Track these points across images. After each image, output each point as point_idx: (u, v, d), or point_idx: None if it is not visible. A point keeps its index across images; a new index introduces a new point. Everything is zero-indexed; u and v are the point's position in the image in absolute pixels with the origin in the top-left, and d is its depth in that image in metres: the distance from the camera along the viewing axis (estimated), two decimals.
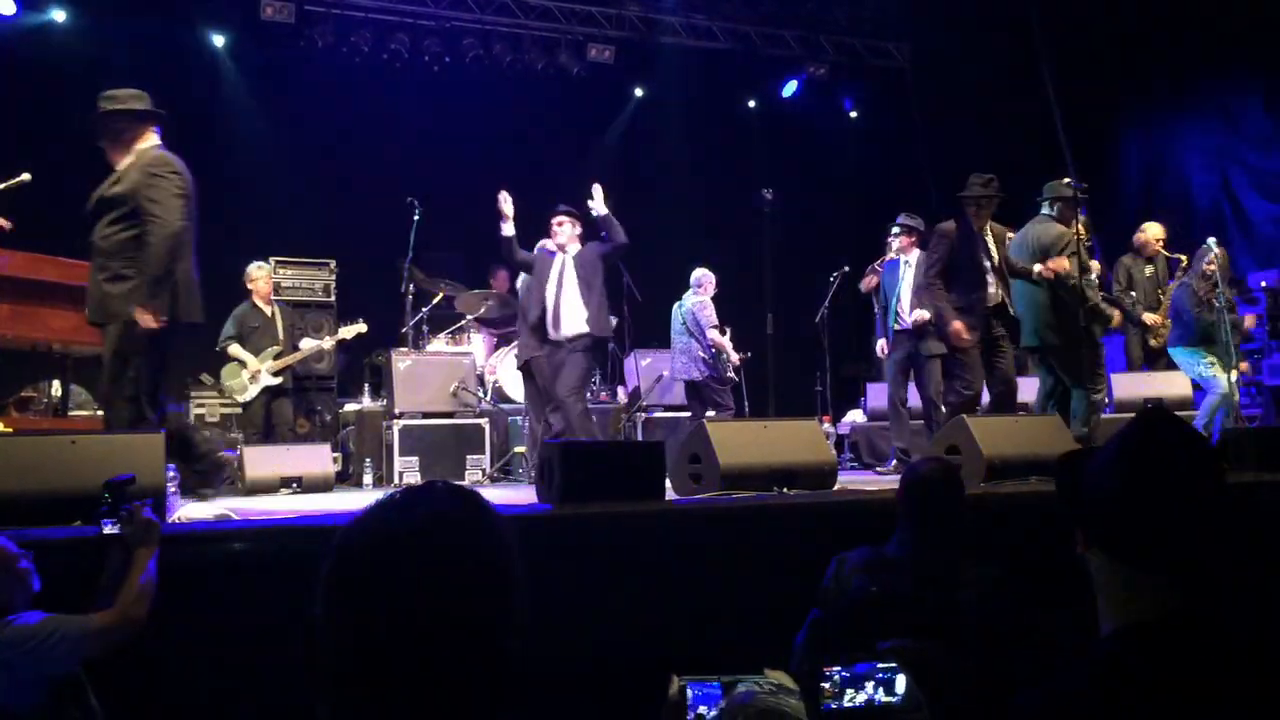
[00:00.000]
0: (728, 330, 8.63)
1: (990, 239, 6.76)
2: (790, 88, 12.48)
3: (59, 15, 9.54)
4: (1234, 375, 7.48)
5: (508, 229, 6.88)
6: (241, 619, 3.12)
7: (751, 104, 12.64)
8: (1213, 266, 7.60)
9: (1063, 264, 6.45)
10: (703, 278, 8.80)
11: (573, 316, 6.78)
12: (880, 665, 1.43)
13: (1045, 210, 6.78)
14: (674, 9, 11.58)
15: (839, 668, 1.45)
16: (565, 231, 6.99)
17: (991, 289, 6.70)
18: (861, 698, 1.45)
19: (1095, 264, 7.37)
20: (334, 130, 10.44)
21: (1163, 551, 1.45)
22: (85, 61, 9.43)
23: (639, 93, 12.18)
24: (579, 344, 6.74)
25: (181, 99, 9.88)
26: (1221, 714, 1.37)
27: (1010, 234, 6.88)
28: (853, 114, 12.91)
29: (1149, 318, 8.63)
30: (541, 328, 6.88)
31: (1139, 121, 11.64)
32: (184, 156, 10.10)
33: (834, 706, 1.45)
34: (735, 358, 8.69)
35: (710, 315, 8.59)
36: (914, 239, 7.55)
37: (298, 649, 1.11)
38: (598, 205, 6.81)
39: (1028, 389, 7.71)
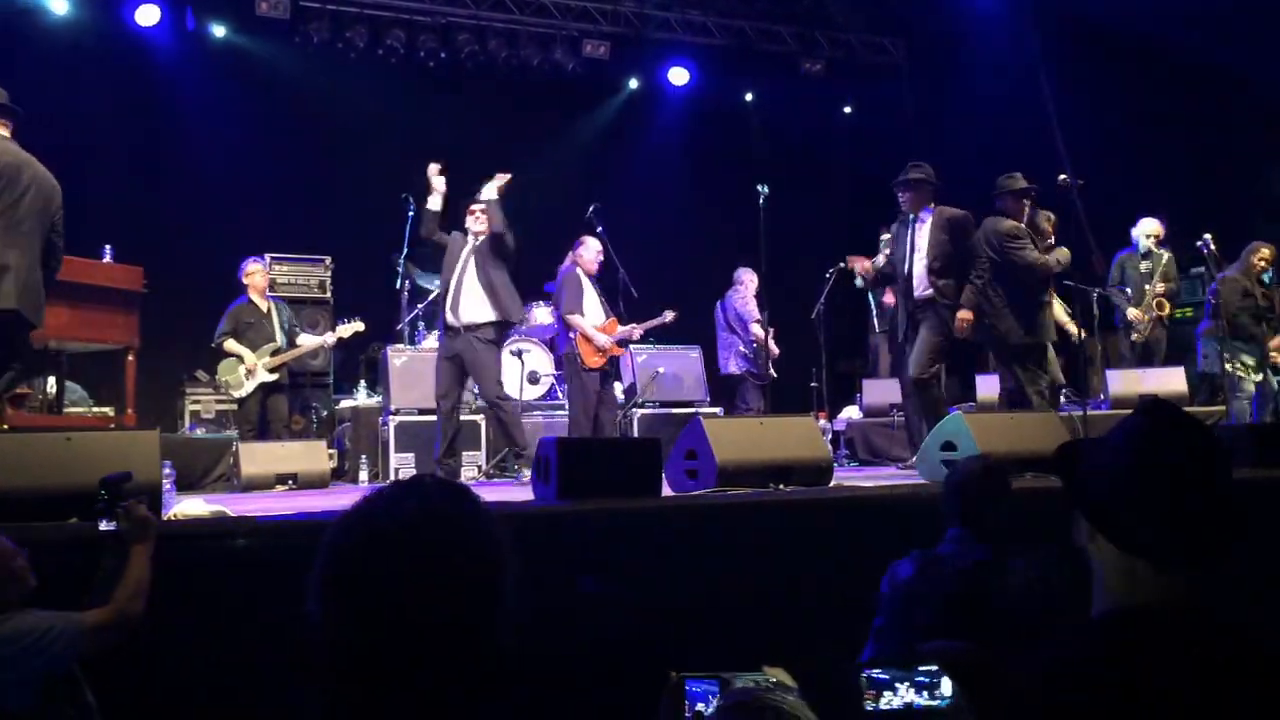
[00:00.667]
0: (771, 330, 8.67)
1: (923, 227, 6.54)
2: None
3: (60, 6, 9.50)
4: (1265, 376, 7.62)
5: (435, 203, 6.89)
6: (237, 616, 3.11)
7: (749, 97, 12.62)
8: (1264, 263, 7.67)
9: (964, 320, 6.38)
10: (743, 274, 8.88)
11: (470, 303, 6.73)
12: (921, 667, 1.41)
13: (998, 205, 6.70)
14: (669, 4, 11.57)
15: (878, 669, 1.44)
16: (477, 220, 6.93)
17: (906, 277, 6.53)
18: (901, 700, 1.43)
19: (1064, 250, 7.39)
20: (330, 126, 10.43)
21: (1172, 543, 1.45)
22: (81, 55, 9.41)
23: (634, 88, 12.16)
24: (481, 334, 6.70)
25: (177, 94, 9.91)
26: (1219, 701, 1.38)
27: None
28: (847, 109, 12.89)
29: (1132, 313, 8.69)
30: (443, 310, 6.86)
31: (1136, 117, 11.63)
32: (178, 153, 10.07)
33: (872, 708, 1.43)
34: (775, 351, 8.77)
35: (752, 310, 8.67)
36: None
37: (293, 645, 1.10)
38: (487, 189, 6.86)
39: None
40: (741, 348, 8.62)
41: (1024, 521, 3.28)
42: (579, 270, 7.66)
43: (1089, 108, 10.35)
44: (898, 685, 1.43)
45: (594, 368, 7.43)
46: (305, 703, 1.10)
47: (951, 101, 11.30)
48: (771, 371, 8.79)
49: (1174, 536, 1.45)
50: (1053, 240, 7.39)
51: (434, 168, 6.93)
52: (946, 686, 1.40)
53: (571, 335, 7.49)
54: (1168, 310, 8.70)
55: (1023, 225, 6.62)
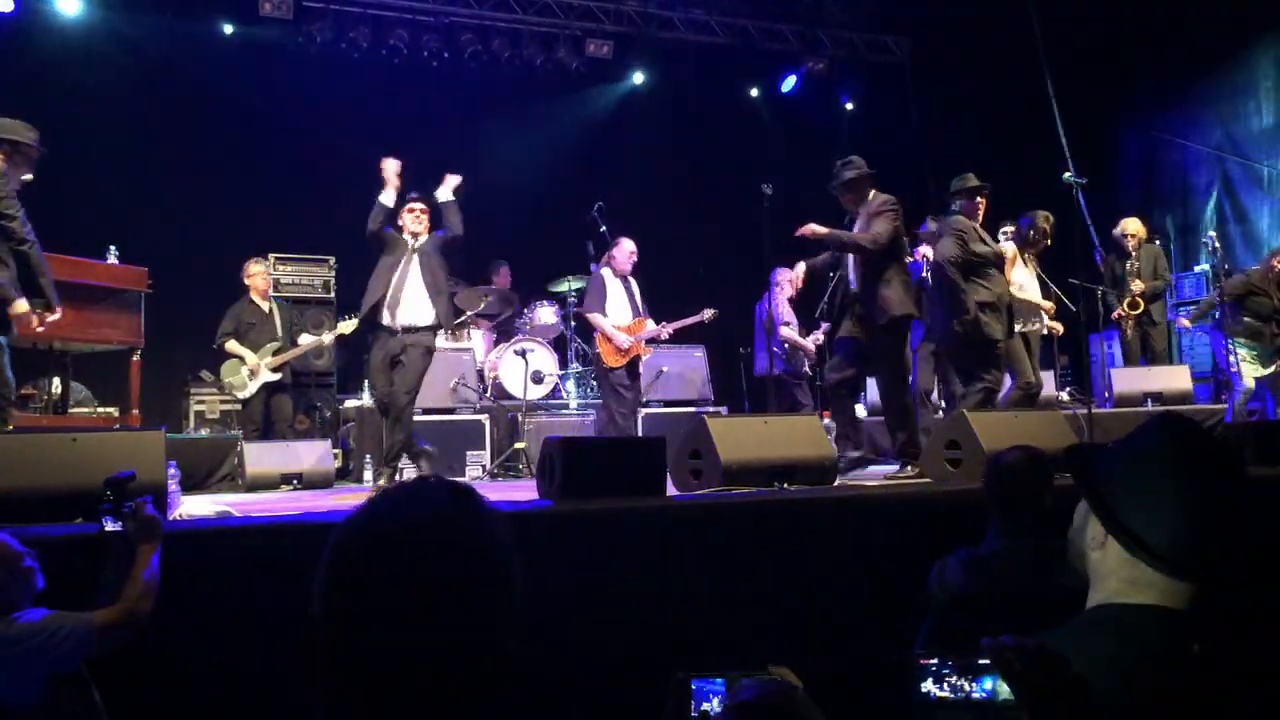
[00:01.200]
0: (822, 325, 8.69)
1: (860, 219, 6.34)
2: (789, 83, 12.46)
3: (70, 6, 9.51)
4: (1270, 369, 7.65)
5: (389, 198, 6.60)
6: (243, 616, 3.12)
7: (753, 93, 12.62)
8: None
9: (809, 229, 6.16)
10: (777, 275, 8.91)
11: (412, 306, 6.50)
12: (979, 661, 1.40)
13: (953, 206, 6.56)
14: (672, 3, 11.57)
15: (934, 660, 1.42)
16: (418, 220, 6.70)
17: (848, 273, 6.32)
18: (957, 693, 1.41)
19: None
20: (333, 126, 10.43)
21: (1194, 551, 1.45)
22: (85, 58, 9.43)
23: (637, 87, 12.16)
24: (419, 338, 6.49)
25: (179, 95, 9.92)
26: (1221, 699, 1.38)
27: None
28: (849, 106, 12.87)
29: (1117, 313, 8.77)
30: (378, 311, 6.53)
31: (1139, 117, 11.64)
32: (181, 152, 10.08)
33: (926, 700, 1.42)
34: (810, 347, 8.79)
35: (782, 313, 8.74)
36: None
37: (298, 645, 1.11)
38: (443, 191, 6.62)
39: None
40: (775, 349, 8.70)
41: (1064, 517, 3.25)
42: (605, 270, 7.72)
43: (1090, 106, 10.35)
44: (957, 678, 1.41)
45: (615, 367, 7.45)
46: (309, 704, 1.10)
47: (954, 100, 11.29)
48: (806, 369, 8.87)
49: (1196, 544, 1.45)
50: (1049, 242, 7.37)
51: (392, 163, 6.64)
52: (997, 682, 1.38)
53: (596, 335, 7.57)
54: (1141, 309, 8.75)
55: (972, 224, 6.47)
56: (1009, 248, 7.30)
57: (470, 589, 1.09)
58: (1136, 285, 8.74)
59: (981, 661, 1.39)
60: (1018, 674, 1.33)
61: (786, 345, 8.68)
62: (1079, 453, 1.66)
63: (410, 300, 6.51)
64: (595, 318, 7.55)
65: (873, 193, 6.35)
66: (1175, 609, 1.45)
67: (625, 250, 7.74)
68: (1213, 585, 1.46)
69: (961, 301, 6.19)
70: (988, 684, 1.38)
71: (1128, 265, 8.85)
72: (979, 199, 6.50)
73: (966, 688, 1.39)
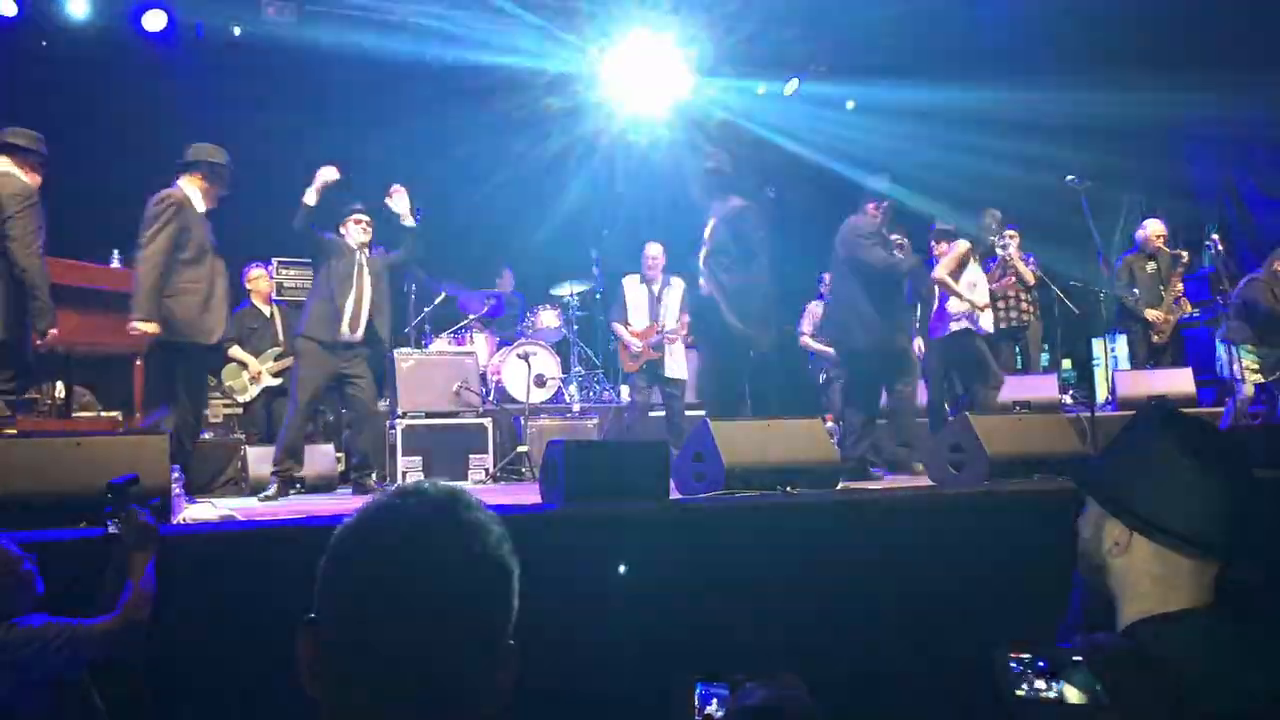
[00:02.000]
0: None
1: (712, 220, 6.38)
2: (792, 86, 12.38)
3: (77, 9, 9.53)
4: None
5: (310, 198, 6.52)
6: (246, 620, 3.11)
7: (761, 90, 12.61)
8: None
9: None
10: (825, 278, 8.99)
11: (374, 319, 6.50)
12: (1073, 658, 1.39)
13: (859, 205, 6.59)
14: None
15: (1026, 656, 1.41)
16: (364, 231, 6.65)
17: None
18: (1047, 693, 1.40)
19: (1028, 270, 7.38)
20: (335, 130, 10.43)
21: (1230, 536, 1.45)
22: (89, 61, 9.44)
23: (639, 89, 12.14)
24: (374, 351, 6.56)
25: (182, 97, 9.92)
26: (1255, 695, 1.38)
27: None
28: (849, 104, 12.86)
29: (1151, 314, 8.70)
30: (334, 322, 6.42)
31: (1142, 117, 11.61)
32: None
33: (1018, 697, 1.41)
34: (831, 352, 8.84)
35: (803, 321, 9.08)
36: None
37: (298, 650, 1.11)
38: (404, 213, 6.59)
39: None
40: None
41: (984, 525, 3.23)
42: (629, 278, 7.95)
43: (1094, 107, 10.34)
44: (1048, 677, 1.40)
45: (629, 372, 7.63)
46: (310, 708, 1.10)
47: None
48: (823, 376, 9.04)
49: (1229, 523, 1.45)
50: (1007, 241, 7.38)
51: (328, 171, 6.60)
52: (1089, 680, 1.36)
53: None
54: (1188, 309, 8.76)
55: (874, 226, 6.47)
56: (962, 244, 7.21)
57: (464, 592, 1.09)
58: (1179, 286, 8.75)
59: (1075, 659, 1.38)
60: (1110, 674, 1.32)
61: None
62: (1077, 467, 1.66)
63: (375, 314, 6.52)
64: (614, 326, 7.87)
65: (726, 197, 6.35)
66: (1210, 603, 1.46)
67: (647, 256, 7.94)
68: (1244, 558, 1.47)
69: (889, 310, 6.27)
70: (1061, 684, 1.37)
71: (1148, 268, 8.81)
72: (884, 201, 6.53)
73: (1041, 686, 1.38)
